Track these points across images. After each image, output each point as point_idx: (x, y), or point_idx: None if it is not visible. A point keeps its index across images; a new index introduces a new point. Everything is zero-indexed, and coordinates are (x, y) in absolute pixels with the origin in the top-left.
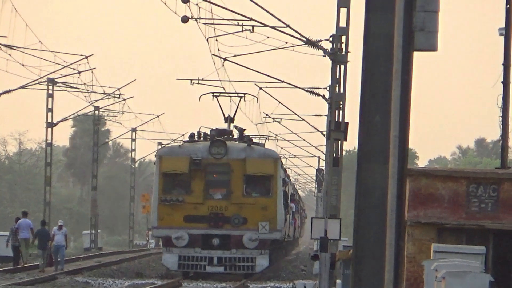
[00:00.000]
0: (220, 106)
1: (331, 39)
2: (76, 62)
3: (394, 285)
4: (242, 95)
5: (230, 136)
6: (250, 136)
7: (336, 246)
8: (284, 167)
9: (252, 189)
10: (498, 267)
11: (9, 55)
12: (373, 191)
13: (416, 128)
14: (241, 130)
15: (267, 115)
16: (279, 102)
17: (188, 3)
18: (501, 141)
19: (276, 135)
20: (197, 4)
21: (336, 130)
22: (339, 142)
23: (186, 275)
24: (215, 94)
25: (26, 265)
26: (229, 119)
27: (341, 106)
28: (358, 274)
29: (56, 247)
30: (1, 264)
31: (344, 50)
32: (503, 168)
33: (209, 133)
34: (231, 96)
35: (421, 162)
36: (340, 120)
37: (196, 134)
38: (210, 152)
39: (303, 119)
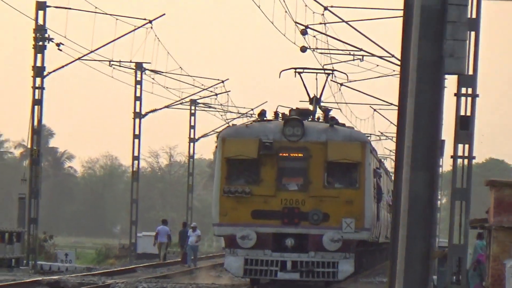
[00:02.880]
0: (304, 85)
1: None
2: (214, 85)
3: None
4: (330, 71)
5: (313, 118)
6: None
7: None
8: (379, 157)
9: (335, 179)
10: None
11: (153, 78)
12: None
13: None
14: (326, 110)
15: (382, 133)
16: (391, 122)
17: (306, 35)
18: None
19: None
20: (314, 36)
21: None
22: (466, 147)
23: (255, 283)
24: (297, 70)
25: (164, 261)
26: (315, 100)
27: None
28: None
29: (190, 246)
30: (148, 260)
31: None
32: None
33: (288, 114)
34: (316, 73)
35: None
36: (468, 114)
37: (271, 113)
38: (283, 133)
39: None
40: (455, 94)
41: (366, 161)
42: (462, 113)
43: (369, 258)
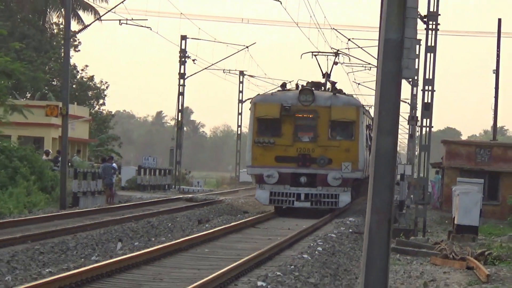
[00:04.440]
0: (318, 64)
1: None
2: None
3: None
4: (336, 52)
5: (323, 88)
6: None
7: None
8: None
9: (337, 133)
10: (490, 190)
11: (249, 81)
12: None
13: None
14: (333, 83)
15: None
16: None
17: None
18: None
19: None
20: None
21: (426, 110)
22: (428, 120)
23: (278, 209)
24: (314, 53)
25: None
26: (326, 75)
27: (429, 90)
28: None
29: None
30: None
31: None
32: (494, 140)
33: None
34: (327, 55)
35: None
36: (429, 101)
37: (289, 85)
38: (299, 99)
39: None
40: (422, 90)
41: (359, 120)
42: (426, 101)
43: (361, 190)
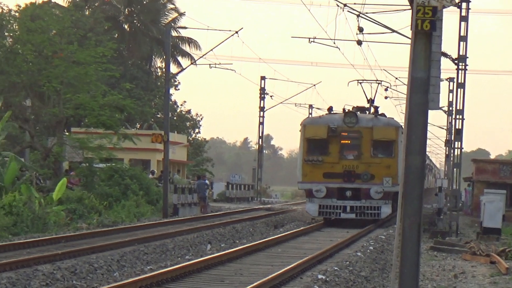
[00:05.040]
0: (363, 91)
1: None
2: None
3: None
4: (379, 81)
5: (367, 112)
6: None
7: None
8: None
9: (378, 151)
10: (511, 199)
11: None
12: None
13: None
14: (375, 107)
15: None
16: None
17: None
18: None
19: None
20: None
21: (458, 134)
22: (459, 143)
23: (326, 220)
24: (359, 81)
25: None
26: (371, 101)
27: (460, 118)
28: None
29: None
30: None
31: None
32: None
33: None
34: (371, 83)
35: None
36: (459, 127)
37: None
38: (344, 121)
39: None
40: (454, 118)
41: (398, 139)
42: (457, 127)
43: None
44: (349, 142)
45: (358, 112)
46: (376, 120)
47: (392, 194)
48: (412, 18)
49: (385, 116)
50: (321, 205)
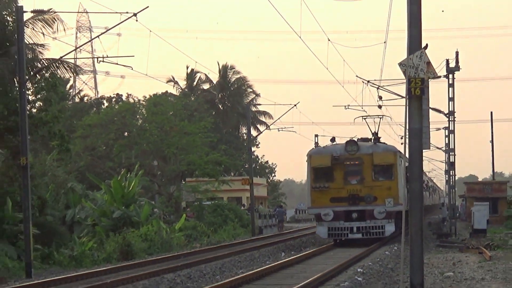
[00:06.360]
0: (367, 125)
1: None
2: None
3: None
4: (381, 116)
5: (370, 141)
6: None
7: None
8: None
9: (379, 175)
10: (492, 208)
11: None
12: None
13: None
14: (377, 138)
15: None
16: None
17: (381, 100)
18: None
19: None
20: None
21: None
22: (453, 172)
23: (335, 242)
24: (363, 117)
25: None
26: (375, 134)
27: (453, 154)
28: None
29: None
30: None
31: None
32: (493, 180)
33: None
34: (374, 118)
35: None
36: (452, 161)
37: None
38: (346, 150)
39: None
40: (449, 155)
41: (397, 163)
42: (451, 161)
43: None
44: (352, 168)
45: (358, 141)
46: (375, 147)
47: (395, 213)
48: (406, 87)
49: (384, 143)
50: (330, 228)
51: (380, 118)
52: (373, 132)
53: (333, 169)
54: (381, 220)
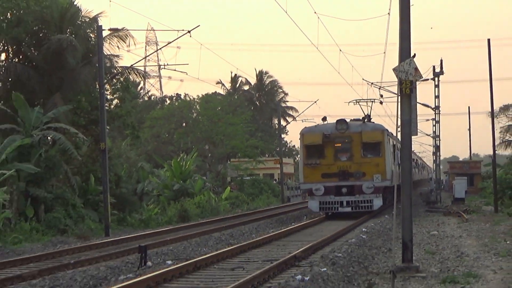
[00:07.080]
0: (361, 108)
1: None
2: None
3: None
4: (372, 100)
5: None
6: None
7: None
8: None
9: (367, 152)
10: (470, 181)
11: None
12: None
13: None
14: (368, 118)
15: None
16: None
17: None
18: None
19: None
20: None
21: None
22: (439, 153)
23: (326, 215)
24: (357, 100)
25: None
26: (367, 116)
27: (439, 140)
28: None
29: None
30: None
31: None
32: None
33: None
34: (366, 101)
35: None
36: (438, 145)
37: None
38: (336, 128)
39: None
40: (435, 140)
41: (385, 141)
42: (437, 145)
43: (390, 196)
44: (342, 146)
45: (348, 120)
46: (364, 126)
47: (382, 188)
48: (398, 87)
49: (373, 122)
50: (321, 202)
51: (372, 101)
52: (365, 114)
53: (324, 146)
54: (369, 195)
